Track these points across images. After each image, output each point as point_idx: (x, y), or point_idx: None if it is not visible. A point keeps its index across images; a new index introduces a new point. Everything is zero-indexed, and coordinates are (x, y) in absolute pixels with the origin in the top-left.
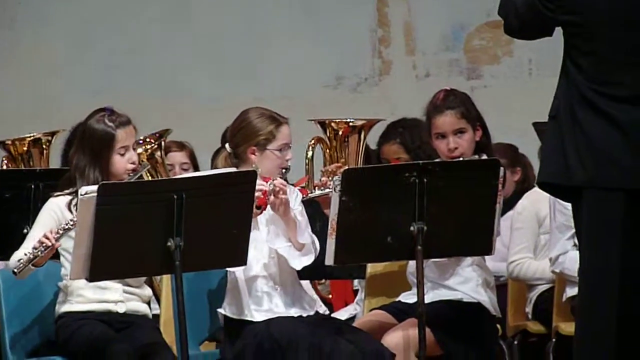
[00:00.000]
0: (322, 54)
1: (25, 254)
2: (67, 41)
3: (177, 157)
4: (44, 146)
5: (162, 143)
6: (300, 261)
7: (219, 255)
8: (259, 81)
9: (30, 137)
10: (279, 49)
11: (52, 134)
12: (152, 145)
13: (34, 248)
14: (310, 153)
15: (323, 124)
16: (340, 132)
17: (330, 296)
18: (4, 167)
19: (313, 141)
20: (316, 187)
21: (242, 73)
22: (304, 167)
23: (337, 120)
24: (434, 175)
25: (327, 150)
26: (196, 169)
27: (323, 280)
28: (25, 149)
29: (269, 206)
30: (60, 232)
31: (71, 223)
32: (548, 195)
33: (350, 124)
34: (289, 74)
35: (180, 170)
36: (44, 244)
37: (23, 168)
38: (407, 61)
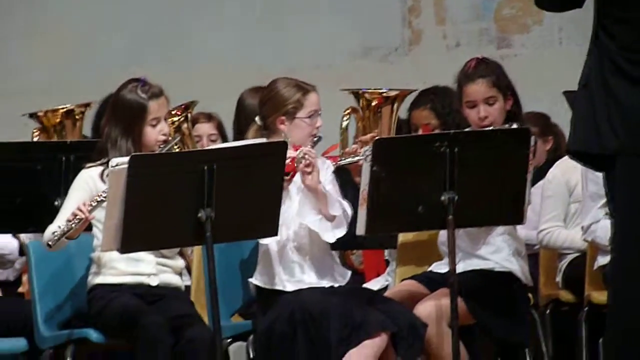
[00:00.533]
0: (351, 24)
1: (59, 227)
2: (96, 9)
3: (205, 129)
4: (76, 117)
5: (189, 115)
6: (333, 234)
7: (250, 226)
8: (289, 51)
9: (62, 108)
10: (309, 18)
11: (86, 105)
12: (179, 117)
13: (68, 221)
14: (345, 123)
15: (357, 94)
16: (373, 103)
17: (362, 267)
18: (36, 139)
19: (348, 111)
20: (346, 155)
21: (272, 43)
22: (338, 138)
23: (371, 91)
24: (464, 144)
25: (360, 121)
26: (224, 140)
27: (355, 251)
28: (58, 120)
29: (298, 177)
30: (93, 204)
31: (104, 195)
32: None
33: (384, 94)
34: (319, 44)
35: (208, 142)
36: (77, 217)
37: (54, 140)
38: (437, 31)
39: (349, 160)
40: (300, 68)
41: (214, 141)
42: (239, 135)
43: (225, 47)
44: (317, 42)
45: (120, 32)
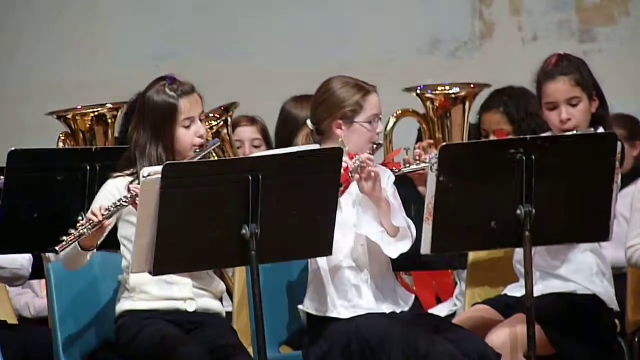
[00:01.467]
0: (416, 15)
1: (70, 232)
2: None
3: (247, 133)
4: (109, 121)
5: (229, 118)
6: (397, 248)
7: (300, 244)
8: (344, 46)
9: (93, 112)
10: (367, 9)
11: (117, 108)
12: (218, 121)
13: (80, 225)
14: (390, 126)
15: (420, 95)
16: (437, 103)
17: (414, 288)
18: (61, 144)
19: (398, 113)
20: (408, 163)
21: (325, 36)
22: (398, 144)
23: (435, 91)
24: (543, 151)
25: (424, 124)
26: (269, 146)
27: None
28: (88, 126)
29: (354, 186)
30: (112, 209)
31: (124, 200)
32: None
33: (451, 95)
34: (379, 38)
35: (251, 148)
36: (90, 221)
37: (78, 147)
38: (512, 22)
39: (413, 167)
40: (357, 64)
41: (257, 147)
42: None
43: (272, 41)
44: (377, 35)
45: (150, 24)
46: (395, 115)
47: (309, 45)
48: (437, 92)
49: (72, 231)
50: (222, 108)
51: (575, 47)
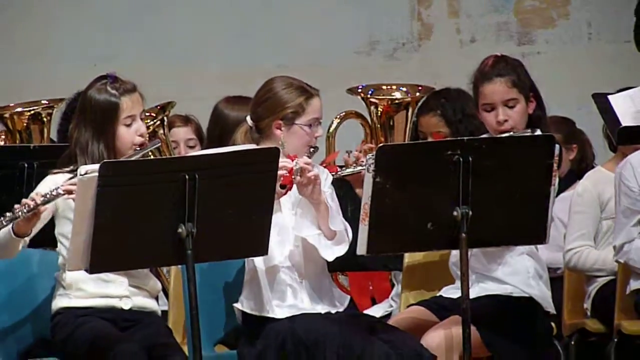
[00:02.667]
0: (353, 16)
1: (4, 215)
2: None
3: (182, 133)
4: (44, 120)
5: (165, 118)
6: (333, 251)
7: (236, 243)
8: (281, 47)
9: (29, 110)
10: (304, 10)
11: (51, 106)
12: (154, 120)
13: (15, 208)
14: (333, 127)
15: (365, 99)
16: (380, 108)
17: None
18: (1, 142)
19: (342, 115)
20: (346, 165)
21: (262, 38)
22: (336, 146)
23: (379, 92)
24: (479, 152)
25: (367, 128)
26: (203, 146)
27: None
28: (24, 124)
29: (294, 188)
30: (49, 196)
31: (60, 189)
32: (613, 175)
33: (395, 100)
34: (317, 39)
35: (186, 148)
36: (26, 205)
37: (16, 144)
38: (449, 24)
39: (350, 170)
40: (294, 66)
41: (192, 147)
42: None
43: (209, 43)
44: (314, 36)
45: (89, 24)
46: (338, 116)
47: (245, 47)
48: (381, 97)
49: (7, 214)
50: (159, 107)
51: (514, 49)
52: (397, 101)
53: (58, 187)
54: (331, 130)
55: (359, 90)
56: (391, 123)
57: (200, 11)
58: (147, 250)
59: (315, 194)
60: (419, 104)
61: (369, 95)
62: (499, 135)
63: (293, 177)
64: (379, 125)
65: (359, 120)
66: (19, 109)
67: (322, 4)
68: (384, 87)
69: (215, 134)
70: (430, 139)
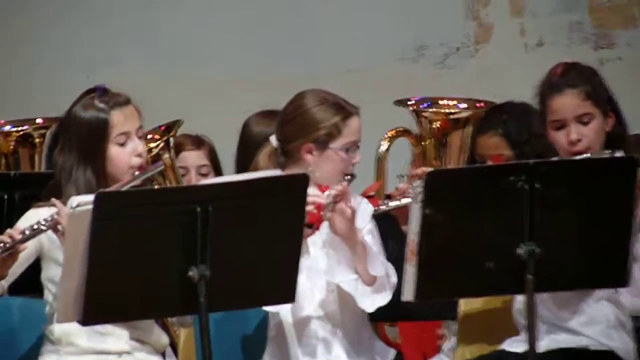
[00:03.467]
0: (397, 16)
1: None
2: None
3: (193, 158)
4: (36, 142)
5: (171, 139)
6: (373, 300)
7: (257, 288)
8: (312, 53)
9: (17, 130)
10: (337, 9)
11: (46, 126)
12: (158, 143)
13: None
14: (383, 148)
15: (417, 112)
16: (436, 125)
17: (398, 341)
18: None
19: (391, 133)
20: (391, 197)
21: (289, 42)
22: (374, 171)
23: (436, 106)
24: (549, 178)
25: (417, 147)
26: (218, 173)
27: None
28: (11, 147)
29: (324, 225)
30: (29, 232)
31: (42, 224)
32: None
33: (453, 114)
34: (352, 43)
35: (197, 176)
36: (2, 243)
37: None
38: (512, 25)
39: (395, 203)
40: (326, 74)
41: (204, 175)
42: (241, 169)
43: (226, 48)
44: (350, 40)
45: (81, 29)
46: (387, 136)
47: (270, 53)
48: (437, 112)
49: None
50: (163, 128)
51: (589, 54)
52: (454, 117)
53: (39, 223)
54: (381, 152)
55: (411, 103)
56: (444, 142)
57: (213, 10)
58: (151, 298)
59: (351, 231)
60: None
61: (421, 109)
62: (571, 158)
63: (322, 213)
64: (433, 143)
65: (409, 139)
66: (7, 128)
67: (360, 2)
68: (442, 102)
69: (246, 158)
70: (490, 163)
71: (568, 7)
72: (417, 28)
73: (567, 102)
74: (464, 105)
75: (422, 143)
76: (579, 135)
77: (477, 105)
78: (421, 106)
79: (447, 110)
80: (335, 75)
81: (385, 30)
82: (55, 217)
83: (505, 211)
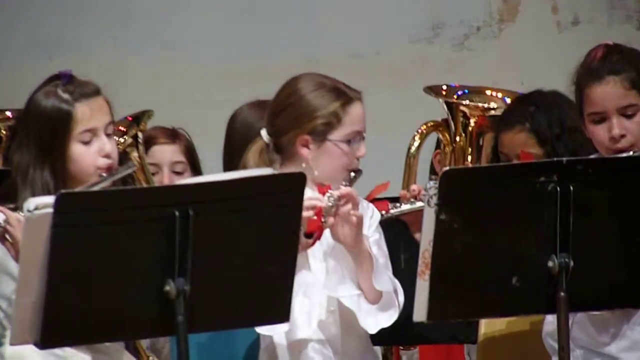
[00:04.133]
0: None
1: None
2: None
3: (166, 154)
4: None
5: (139, 133)
6: (376, 320)
7: (246, 306)
8: (311, 33)
9: None
10: None
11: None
12: (124, 137)
13: None
14: (416, 144)
15: (449, 104)
16: (473, 120)
17: None
18: None
19: (425, 127)
20: (403, 200)
21: (284, 21)
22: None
23: (475, 101)
24: (585, 179)
25: (447, 146)
26: (195, 172)
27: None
28: None
29: (326, 233)
30: None
31: None
32: None
33: (490, 111)
34: (359, 23)
35: (171, 174)
36: None
37: None
38: (543, 0)
39: (408, 207)
40: (329, 58)
41: (179, 174)
42: (229, 169)
43: (211, 30)
44: (357, 19)
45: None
46: (420, 130)
47: (261, 36)
48: (475, 104)
49: None
50: (130, 118)
51: (632, 34)
52: (492, 112)
53: None
54: (412, 150)
55: (443, 90)
56: (480, 142)
57: None
58: (120, 317)
59: (356, 240)
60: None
61: (455, 99)
62: (612, 156)
63: (323, 220)
64: (466, 144)
65: (441, 135)
66: None
67: None
68: (487, 92)
69: (236, 154)
70: (515, 162)
71: None
72: (432, 4)
73: (609, 92)
74: (504, 98)
75: (454, 141)
76: (622, 130)
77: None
78: (455, 95)
79: (486, 105)
80: (337, 61)
81: (395, 6)
82: (3, 224)
83: (533, 218)
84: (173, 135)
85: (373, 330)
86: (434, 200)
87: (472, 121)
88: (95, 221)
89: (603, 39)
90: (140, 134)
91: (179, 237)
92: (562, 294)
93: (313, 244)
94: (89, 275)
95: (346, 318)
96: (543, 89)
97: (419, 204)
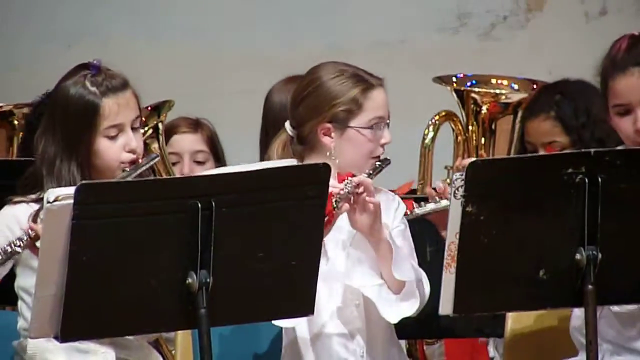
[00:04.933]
0: None
1: None
2: None
3: (187, 143)
4: (15, 123)
5: (160, 124)
6: (399, 309)
7: (269, 299)
8: (335, 22)
9: None
10: None
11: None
12: (145, 128)
13: None
14: (430, 136)
15: (459, 92)
16: (484, 108)
17: None
18: None
19: (438, 117)
20: (428, 197)
21: (307, 9)
22: (418, 161)
23: (484, 89)
24: (613, 171)
25: (460, 136)
26: (218, 162)
27: (433, 340)
28: None
29: (345, 221)
30: (1, 255)
31: (15, 244)
32: None
33: (501, 97)
34: (384, 11)
35: (192, 164)
36: None
37: None
38: None
39: (433, 206)
40: (353, 48)
41: (201, 164)
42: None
43: (231, 17)
44: (382, 8)
45: None
46: (432, 121)
47: (284, 25)
48: (486, 92)
49: None
50: (150, 108)
51: None
52: (504, 99)
53: (12, 243)
54: (427, 141)
55: (454, 80)
56: (493, 128)
57: None
58: (142, 310)
59: (374, 227)
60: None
61: (466, 88)
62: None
63: (334, 206)
64: (478, 132)
65: (454, 124)
66: None
67: None
68: (493, 81)
69: (264, 136)
70: (542, 152)
71: None
72: None
73: (633, 83)
74: (516, 87)
75: (466, 130)
76: None
77: (533, 86)
78: (466, 85)
79: (496, 91)
80: (362, 49)
81: None
82: (32, 234)
83: (561, 210)
84: (195, 124)
85: (394, 320)
86: (460, 192)
87: (484, 108)
88: (115, 213)
89: (631, 29)
90: (160, 125)
91: (201, 229)
92: (589, 287)
93: (327, 229)
94: (110, 267)
95: (371, 312)
96: (570, 78)
97: (444, 202)
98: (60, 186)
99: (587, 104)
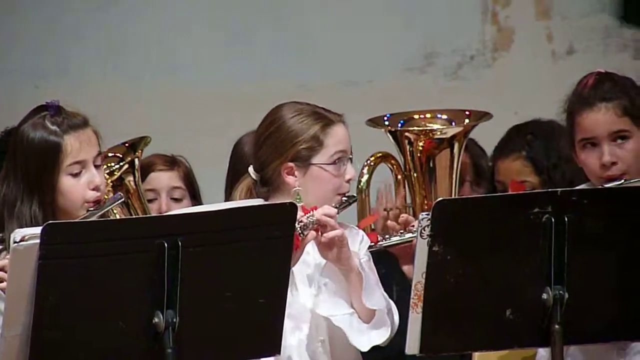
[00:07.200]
0: (403, 20)
1: None
2: None
3: (164, 180)
4: None
5: (136, 160)
6: (370, 337)
7: (236, 339)
8: (305, 60)
9: None
10: (334, 11)
11: None
12: (121, 164)
13: None
14: (365, 178)
15: (393, 132)
16: (420, 144)
17: None
18: None
19: (373, 158)
20: (391, 232)
21: (278, 47)
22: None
23: (414, 126)
24: (580, 210)
25: (400, 174)
26: (195, 200)
27: None
28: None
29: (314, 253)
30: None
31: None
32: None
33: (436, 133)
34: (352, 51)
35: (169, 201)
36: None
37: None
38: (537, 29)
39: (397, 239)
40: (321, 86)
41: (178, 201)
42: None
43: (204, 56)
44: (349, 47)
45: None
46: (368, 163)
47: (256, 62)
48: (417, 130)
49: None
50: (126, 145)
51: (627, 63)
52: (439, 135)
53: None
54: (362, 184)
55: (386, 121)
56: (432, 166)
57: (188, 7)
58: (108, 350)
59: (343, 257)
60: (489, 135)
61: (399, 128)
62: (607, 186)
63: (300, 234)
64: (416, 170)
65: (390, 165)
66: None
67: (359, 3)
68: (417, 117)
69: (230, 183)
70: (510, 191)
71: (604, 8)
72: (425, 32)
73: (600, 118)
74: (445, 117)
75: (406, 168)
76: (613, 157)
77: (466, 114)
78: (397, 125)
79: (428, 128)
80: (331, 88)
81: (389, 35)
82: None
83: (528, 249)
84: (172, 161)
85: (365, 348)
86: (427, 231)
87: (419, 146)
88: (82, 253)
89: (597, 68)
90: (136, 161)
91: (168, 269)
92: (556, 326)
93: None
94: (76, 307)
95: (335, 347)
96: (540, 118)
97: (408, 235)
98: (22, 227)
99: (558, 144)
